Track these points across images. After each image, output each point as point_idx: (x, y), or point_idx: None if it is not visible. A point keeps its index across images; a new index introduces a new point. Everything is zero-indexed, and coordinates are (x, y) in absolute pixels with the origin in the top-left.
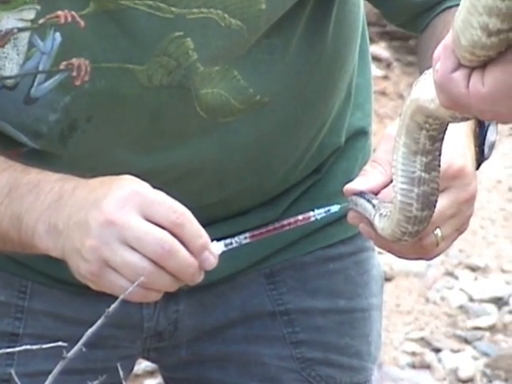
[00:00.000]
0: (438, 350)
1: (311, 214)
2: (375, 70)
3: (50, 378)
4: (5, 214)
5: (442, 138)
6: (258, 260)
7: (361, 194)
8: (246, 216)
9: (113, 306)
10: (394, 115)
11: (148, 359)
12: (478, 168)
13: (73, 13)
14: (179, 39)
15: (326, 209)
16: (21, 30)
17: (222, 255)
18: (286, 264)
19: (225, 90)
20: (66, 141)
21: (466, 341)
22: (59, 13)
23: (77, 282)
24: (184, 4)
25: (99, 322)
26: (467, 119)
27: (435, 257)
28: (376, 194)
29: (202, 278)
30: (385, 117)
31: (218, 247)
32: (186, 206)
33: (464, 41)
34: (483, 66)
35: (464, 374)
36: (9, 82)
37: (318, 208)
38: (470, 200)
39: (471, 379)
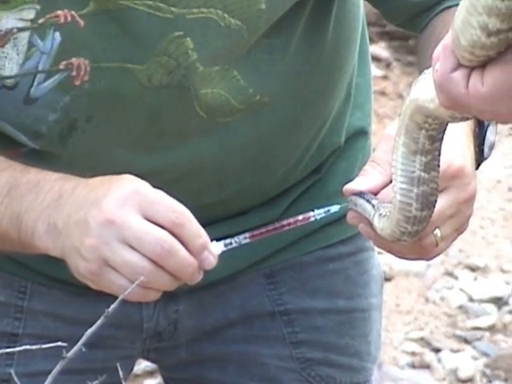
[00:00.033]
0: (437, 350)
1: (311, 214)
2: (375, 70)
3: (50, 378)
4: (4, 214)
5: (442, 138)
6: (258, 260)
7: (360, 194)
8: (246, 216)
9: (112, 306)
10: (394, 115)
11: (148, 359)
12: (477, 168)
13: (72, 12)
14: (179, 39)
15: (326, 209)
16: (20, 29)
17: (222, 255)
18: (285, 264)
19: (224, 89)
20: (66, 141)
21: (466, 341)
22: (59, 12)
23: (76, 282)
24: (184, 4)
25: (99, 322)
26: (467, 119)
27: (435, 257)
28: (375, 194)
29: (202, 278)
30: (384, 117)
31: (218, 247)
32: (185, 205)
33: (463, 41)
34: (483, 65)
35: (464, 374)
36: (8, 81)
37: (318, 208)
38: (470, 200)
39: (471, 379)
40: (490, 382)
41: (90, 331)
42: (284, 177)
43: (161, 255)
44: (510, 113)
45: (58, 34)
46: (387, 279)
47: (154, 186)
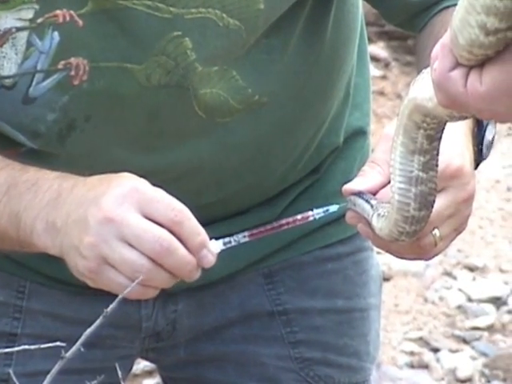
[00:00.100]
0: (436, 350)
1: (310, 213)
2: (373, 70)
3: (49, 377)
4: (3, 213)
5: (440, 138)
6: (257, 260)
7: (359, 194)
8: (245, 216)
9: (111, 305)
10: (393, 115)
11: (146, 359)
12: (476, 168)
13: (71, 12)
14: (177, 39)
15: (325, 208)
16: (19, 29)
17: (221, 255)
18: (284, 264)
19: (223, 90)
20: (65, 140)
21: (465, 341)
22: (57, 12)
23: (75, 282)
24: (182, 4)
25: (98, 321)
26: (465, 118)
27: (433, 257)
28: (374, 194)
29: (201, 278)
30: (383, 117)
31: (217, 245)
32: (184, 205)
33: (462, 40)
34: (481, 64)
35: (462, 373)
36: (7, 81)
37: (317, 208)
38: (469, 200)
39: (469, 379)
40: (489, 381)
41: (88, 331)
42: (283, 177)
43: (159, 253)
44: (508, 112)
45: (56, 33)
46: (386, 279)
47: (153, 185)
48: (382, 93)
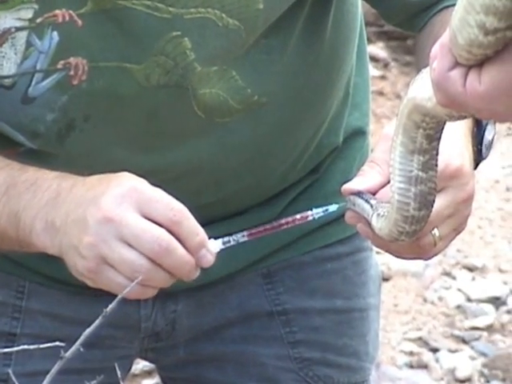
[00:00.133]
0: (435, 350)
1: (309, 213)
2: (373, 70)
3: (48, 377)
4: (2, 212)
5: (439, 137)
6: (256, 260)
7: (359, 193)
8: (244, 216)
9: (110, 306)
10: (392, 115)
11: (146, 359)
12: (475, 168)
13: (70, 12)
14: (177, 39)
15: (324, 208)
16: (18, 29)
17: (220, 255)
18: (283, 264)
19: (223, 90)
20: (64, 140)
21: (464, 341)
22: (57, 12)
23: (75, 282)
24: (182, 4)
25: (97, 321)
26: (464, 118)
27: (433, 257)
28: (374, 194)
29: (200, 278)
30: (382, 117)
31: (216, 245)
32: (183, 205)
33: (461, 39)
34: (480, 64)
35: (461, 373)
36: (6, 81)
37: (316, 207)
38: (468, 200)
39: (469, 379)
40: (488, 381)
41: (88, 331)
42: (282, 176)
43: (158, 253)
44: (507, 111)
45: (55, 33)
46: (385, 279)
47: (152, 186)
48: (381, 93)
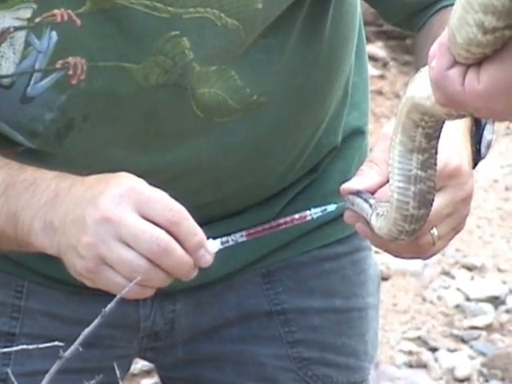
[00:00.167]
0: (434, 350)
1: (307, 213)
2: (371, 70)
3: (47, 377)
4: (1, 212)
5: (438, 136)
6: (255, 260)
7: (357, 193)
8: (243, 215)
9: (109, 305)
10: (391, 115)
11: (145, 359)
12: (474, 167)
13: (69, 11)
14: (175, 38)
15: (323, 208)
16: (17, 28)
17: (219, 255)
18: (282, 264)
19: (221, 89)
20: (63, 140)
21: (463, 340)
22: (55, 11)
23: (73, 282)
24: (180, 3)
25: (96, 321)
26: (463, 116)
27: (431, 256)
28: (372, 193)
29: (199, 278)
30: (381, 116)
31: (215, 245)
32: (182, 205)
33: (459, 38)
34: (479, 63)
35: (460, 373)
36: (5, 80)
37: (315, 207)
38: (467, 199)
39: (468, 378)
40: (487, 381)
41: (87, 331)
42: (281, 176)
43: (157, 254)
44: (506, 110)
45: (54, 33)
46: (384, 278)
47: (151, 185)
48: (380, 92)
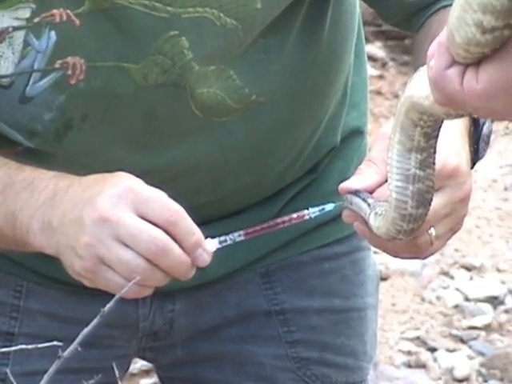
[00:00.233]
0: (433, 350)
1: (305, 212)
2: (370, 70)
3: (46, 377)
4: None
5: (437, 136)
6: (254, 259)
7: (356, 192)
8: (242, 215)
9: (108, 305)
10: (390, 115)
11: (144, 358)
12: (472, 167)
13: (68, 11)
14: (174, 38)
15: (321, 207)
16: (16, 28)
17: (218, 254)
18: (281, 263)
19: (220, 89)
20: (62, 139)
21: (462, 340)
22: (54, 11)
23: (72, 282)
24: (179, 3)
25: (95, 321)
26: (461, 116)
27: (429, 256)
28: (371, 193)
29: (198, 278)
30: (380, 116)
31: (213, 244)
32: (181, 204)
33: (458, 38)
34: (477, 62)
35: (459, 373)
36: (4, 80)
37: (313, 207)
38: (465, 199)
39: (467, 378)
40: (486, 381)
41: (86, 330)
42: (280, 176)
43: (155, 253)
44: (504, 110)
45: (53, 33)
46: (383, 278)
47: (150, 185)
48: (379, 92)
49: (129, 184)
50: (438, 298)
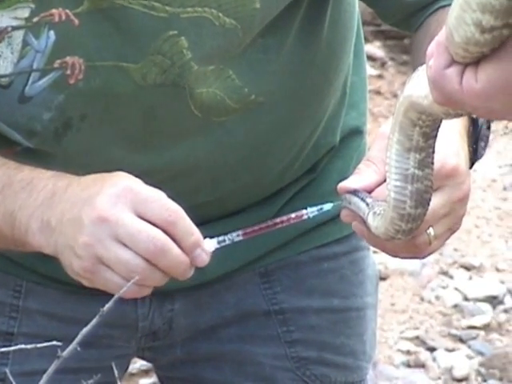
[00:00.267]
0: (432, 349)
1: (304, 212)
2: (370, 69)
3: (45, 377)
4: None
5: (436, 135)
6: (253, 259)
7: (354, 192)
8: (241, 215)
9: (107, 305)
10: (389, 114)
11: (143, 358)
12: (471, 167)
13: (67, 11)
14: (173, 38)
15: (319, 207)
16: (15, 28)
17: (217, 254)
18: (280, 263)
19: (220, 89)
20: (61, 139)
21: (461, 340)
22: (53, 11)
23: (71, 281)
24: (178, 3)
25: (94, 321)
26: (460, 115)
27: (428, 255)
28: (370, 192)
29: (197, 278)
30: (379, 116)
31: (211, 244)
32: (180, 204)
33: (457, 37)
34: (476, 62)
35: (459, 372)
36: (3, 80)
37: (311, 206)
38: (464, 199)
39: (466, 378)
40: (485, 381)
41: (85, 330)
42: (279, 176)
43: (154, 253)
44: (503, 109)
45: (52, 32)
46: (382, 278)
47: (150, 185)
48: (378, 92)
49: (128, 184)
50: (437, 297)
